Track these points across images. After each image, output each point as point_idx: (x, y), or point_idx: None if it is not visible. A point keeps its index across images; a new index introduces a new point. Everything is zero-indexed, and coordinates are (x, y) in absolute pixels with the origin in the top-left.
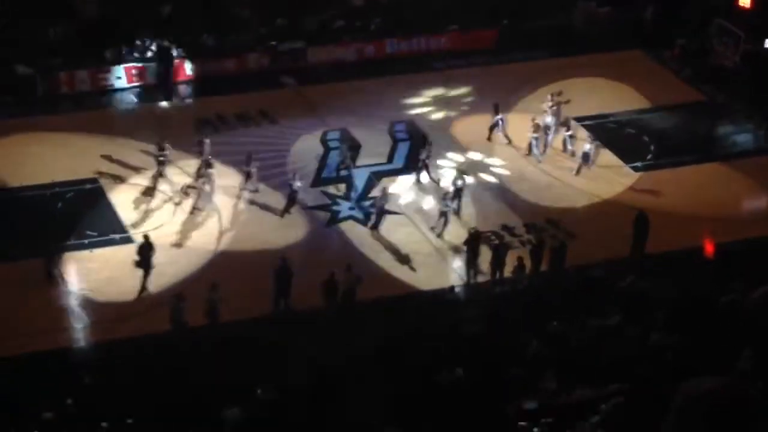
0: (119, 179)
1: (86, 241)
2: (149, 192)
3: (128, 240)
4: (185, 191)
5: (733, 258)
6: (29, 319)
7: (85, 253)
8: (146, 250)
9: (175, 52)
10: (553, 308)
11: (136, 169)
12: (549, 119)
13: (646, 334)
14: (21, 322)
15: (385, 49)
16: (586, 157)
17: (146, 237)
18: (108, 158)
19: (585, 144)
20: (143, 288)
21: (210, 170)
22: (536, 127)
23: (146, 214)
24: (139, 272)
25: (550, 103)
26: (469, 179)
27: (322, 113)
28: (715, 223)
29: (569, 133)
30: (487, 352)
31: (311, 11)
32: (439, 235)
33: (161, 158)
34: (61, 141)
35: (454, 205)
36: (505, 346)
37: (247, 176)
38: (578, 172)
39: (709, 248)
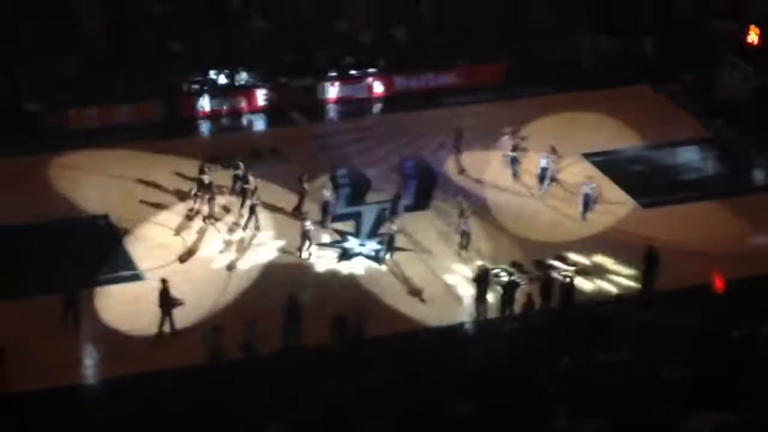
0: (131, 214)
1: (99, 278)
2: (172, 221)
3: (138, 277)
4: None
5: (744, 294)
6: (43, 355)
7: (98, 290)
8: (165, 294)
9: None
10: (563, 344)
11: (148, 204)
12: (544, 161)
13: (657, 369)
14: (34, 359)
15: (394, 86)
16: (586, 200)
17: (164, 281)
18: (118, 194)
19: (584, 186)
20: (161, 330)
21: (246, 186)
22: (514, 147)
23: (157, 249)
24: (158, 312)
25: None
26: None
27: (331, 150)
28: (725, 260)
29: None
30: (497, 388)
31: (321, 48)
32: (461, 252)
33: (204, 180)
34: (70, 177)
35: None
36: (515, 382)
37: (301, 198)
38: (584, 216)
39: (719, 284)
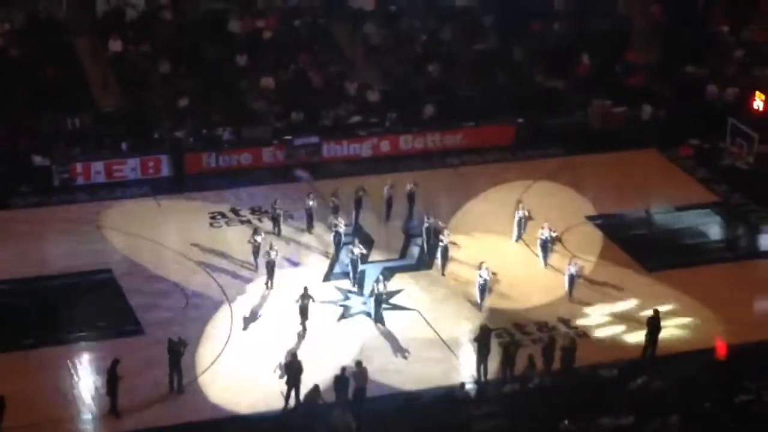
0: (135, 268)
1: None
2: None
3: (140, 331)
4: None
5: (747, 360)
6: (39, 409)
7: (94, 344)
8: (175, 351)
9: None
10: (564, 407)
11: (149, 259)
12: (546, 234)
13: None
14: (29, 412)
15: (400, 145)
16: (571, 280)
17: (170, 341)
18: (123, 249)
19: (569, 267)
20: (173, 387)
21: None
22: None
23: (160, 302)
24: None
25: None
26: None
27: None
28: (729, 325)
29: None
30: None
31: (327, 106)
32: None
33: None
34: (76, 231)
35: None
36: None
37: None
38: (570, 296)
39: (722, 350)
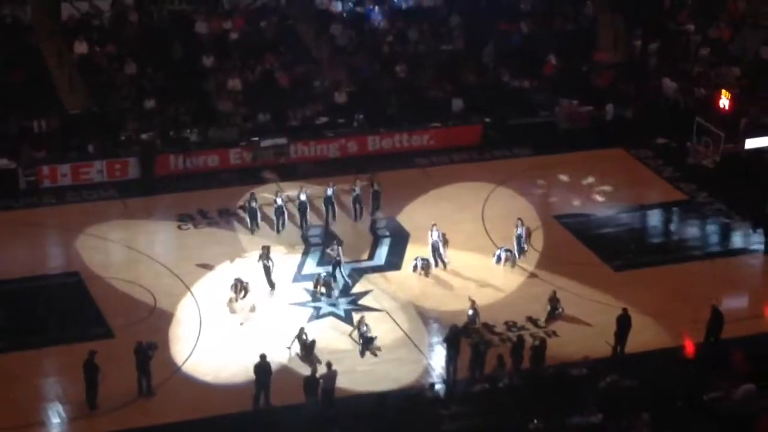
0: (103, 271)
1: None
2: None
3: (109, 335)
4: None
5: (715, 358)
6: (8, 414)
7: (63, 348)
8: (143, 354)
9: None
10: (533, 406)
11: (117, 262)
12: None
13: None
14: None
15: (368, 146)
16: (554, 306)
17: (140, 343)
18: (91, 252)
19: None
20: (141, 389)
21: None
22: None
23: (128, 305)
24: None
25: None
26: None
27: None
28: (696, 323)
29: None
30: None
31: (294, 107)
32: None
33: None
34: (43, 234)
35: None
36: None
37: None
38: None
39: (690, 348)
